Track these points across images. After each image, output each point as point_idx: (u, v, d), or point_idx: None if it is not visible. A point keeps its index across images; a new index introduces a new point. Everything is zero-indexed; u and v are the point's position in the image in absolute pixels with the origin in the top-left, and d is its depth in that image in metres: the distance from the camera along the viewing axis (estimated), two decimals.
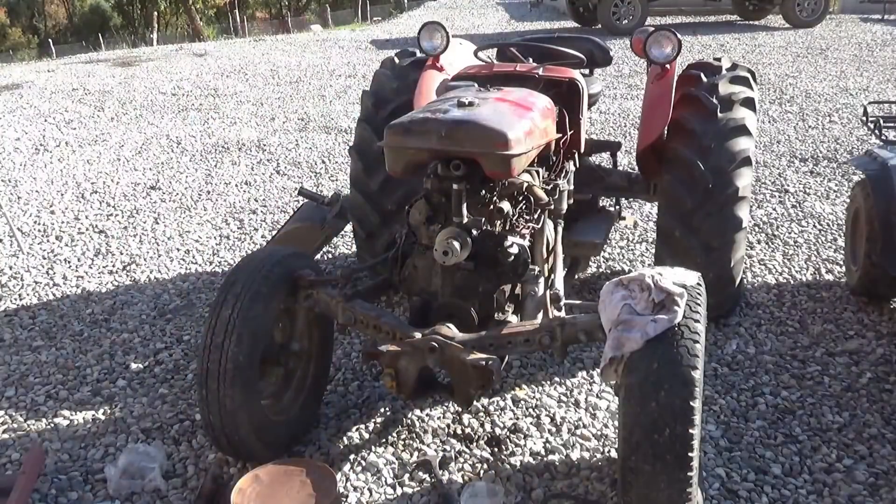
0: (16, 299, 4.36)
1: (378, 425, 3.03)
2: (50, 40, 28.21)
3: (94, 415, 3.19)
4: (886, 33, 12.84)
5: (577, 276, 4.15)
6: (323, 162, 6.93)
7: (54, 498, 2.70)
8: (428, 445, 2.90)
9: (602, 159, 5.01)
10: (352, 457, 2.84)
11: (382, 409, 3.13)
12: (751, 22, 14.78)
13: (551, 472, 2.74)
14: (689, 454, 2.08)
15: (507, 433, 2.96)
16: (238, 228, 5.36)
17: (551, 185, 3.03)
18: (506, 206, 2.67)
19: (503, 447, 2.88)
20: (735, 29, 13.86)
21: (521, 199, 2.83)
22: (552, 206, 2.98)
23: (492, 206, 2.65)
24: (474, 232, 2.56)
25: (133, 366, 3.58)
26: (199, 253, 4.95)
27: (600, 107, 8.24)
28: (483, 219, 2.61)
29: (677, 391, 2.06)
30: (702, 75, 3.65)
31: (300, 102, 9.50)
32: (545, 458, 2.81)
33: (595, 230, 3.75)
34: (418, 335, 2.47)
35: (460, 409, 3.06)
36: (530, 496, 2.62)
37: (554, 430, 2.98)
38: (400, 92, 3.84)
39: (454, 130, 2.48)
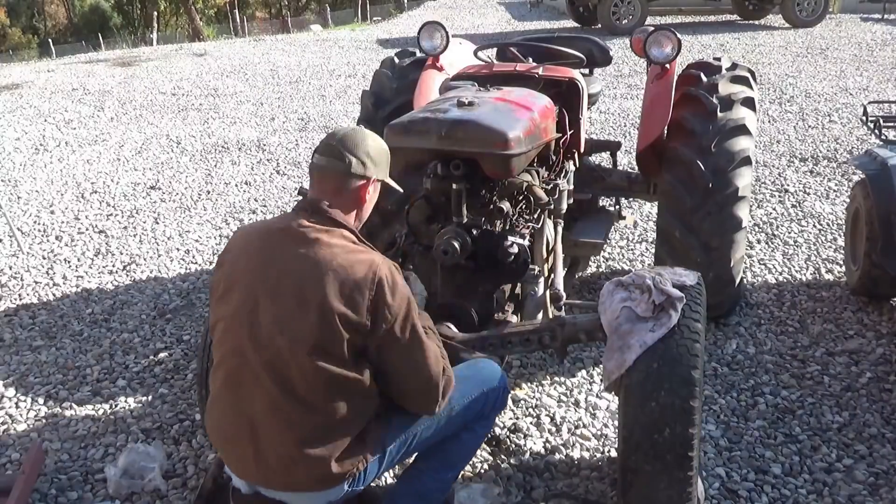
0: (16, 299, 4.36)
1: None
2: (50, 40, 28.22)
3: (94, 415, 3.19)
4: (886, 33, 12.83)
5: (577, 276, 4.15)
6: None
7: (54, 498, 2.70)
8: None
9: (602, 159, 5.01)
10: None
11: None
12: (751, 22, 14.77)
13: (551, 472, 2.74)
14: (689, 454, 2.08)
15: (507, 433, 2.96)
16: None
17: (551, 185, 3.03)
18: (506, 205, 2.67)
19: (503, 447, 2.88)
20: (735, 29, 13.85)
21: (521, 198, 2.83)
22: (552, 206, 2.98)
23: (492, 206, 2.65)
24: (474, 232, 2.56)
25: (133, 366, 3.58)
26: (199, 253, 4.95)
27: (600, 107, 8.23)
28: (483, 218, 2.61)
29: (677, 391, 2.06)
30: (702, 75, 3.65)
31: (300, 102, 9.49)
32: (545, 458, 2.81)
33: (595, 230, 3.75)
34: None
35: None
36: (530, 496, 2.62)
37: (554, 429, 2.98)
38: (400, 92, 3.84)
39: (454, 130, 2.49)
